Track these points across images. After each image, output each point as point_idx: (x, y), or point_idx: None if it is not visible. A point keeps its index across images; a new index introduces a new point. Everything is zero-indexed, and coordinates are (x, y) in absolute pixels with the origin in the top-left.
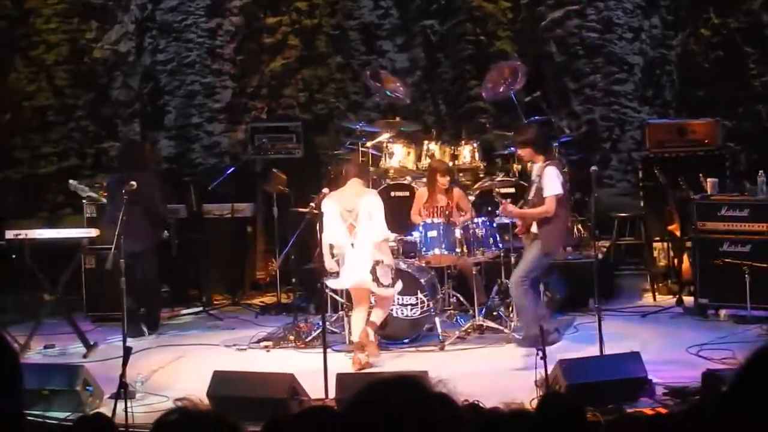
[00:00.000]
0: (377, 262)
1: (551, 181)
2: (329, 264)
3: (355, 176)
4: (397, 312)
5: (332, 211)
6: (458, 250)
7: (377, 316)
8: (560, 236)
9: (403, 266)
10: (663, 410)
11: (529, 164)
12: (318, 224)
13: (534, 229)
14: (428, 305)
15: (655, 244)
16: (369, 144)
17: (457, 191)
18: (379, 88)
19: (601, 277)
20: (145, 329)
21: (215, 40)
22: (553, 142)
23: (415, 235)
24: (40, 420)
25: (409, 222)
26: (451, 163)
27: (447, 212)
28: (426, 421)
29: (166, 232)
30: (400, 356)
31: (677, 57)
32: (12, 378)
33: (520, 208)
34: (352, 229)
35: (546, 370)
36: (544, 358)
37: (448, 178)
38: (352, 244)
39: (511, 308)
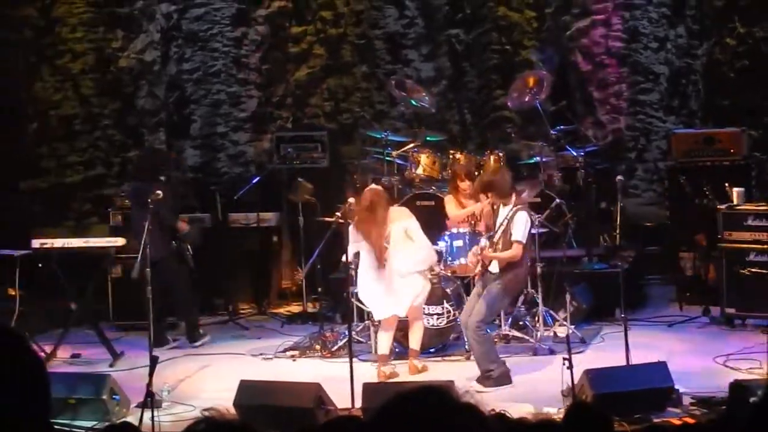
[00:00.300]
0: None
1: (521, 227)
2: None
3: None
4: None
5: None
6: None
7: (416, 341)
8: (524, 279)
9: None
10: (690, 420)
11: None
12: (344, 235)
13: (494, 268)
14: (454, 315)
15: (681, 254)
16: (394, 153)
17: (482, 198)
18: (405, 98)
19: (627, 287)
20: (170, 338)
21: (241, 49)
22: (517, 186)
23: (441, 245)
24: (67, 429)
25: (434, 231)
26: (476, 173)
27: (473, 221)
28: (453, 431)
29: (174, 243)
30: (427, 366)
31: (703, 66)
32: (39, 387)
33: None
34: (385, 251)
35: (573, 380)
36: (570, 367)
37: (468, 182)
38: (384, 266)
39: (537, 318)
